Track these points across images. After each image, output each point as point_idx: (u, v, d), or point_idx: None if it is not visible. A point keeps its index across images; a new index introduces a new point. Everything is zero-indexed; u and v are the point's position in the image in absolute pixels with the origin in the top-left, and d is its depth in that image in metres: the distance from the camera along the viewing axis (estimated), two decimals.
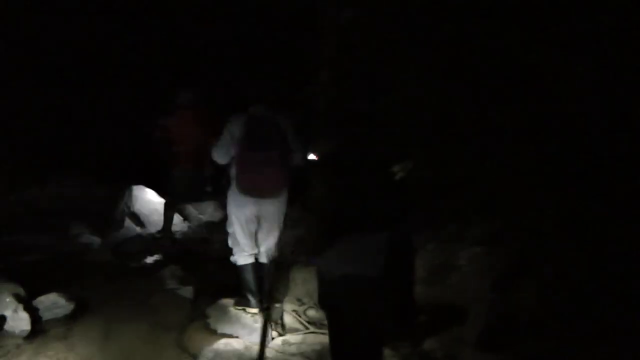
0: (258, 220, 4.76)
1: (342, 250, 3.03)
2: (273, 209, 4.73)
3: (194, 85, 6.38)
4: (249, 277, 4.80)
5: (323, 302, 3.25)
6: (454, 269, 4.94)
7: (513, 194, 4.88)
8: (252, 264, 4.85)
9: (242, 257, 4.85)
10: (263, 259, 4.88)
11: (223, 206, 5.03)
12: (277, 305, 5.03)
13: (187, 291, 5.31)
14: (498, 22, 4.97)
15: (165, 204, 6.74)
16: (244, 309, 4.79)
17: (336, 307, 3.13)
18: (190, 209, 7.26)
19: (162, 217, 6.79)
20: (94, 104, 7.48)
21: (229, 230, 4.89)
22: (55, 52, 6.98)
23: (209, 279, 5.48)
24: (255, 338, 4.47)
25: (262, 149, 4.54)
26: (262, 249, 4.86)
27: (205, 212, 7.22)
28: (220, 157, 4.72)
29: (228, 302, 4.93)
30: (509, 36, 4.92)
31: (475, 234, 5.02)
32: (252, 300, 4.80)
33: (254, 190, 4.61)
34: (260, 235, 4.83)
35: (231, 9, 7.40)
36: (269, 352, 4.25)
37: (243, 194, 4.63)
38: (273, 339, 4.55)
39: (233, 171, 4.68)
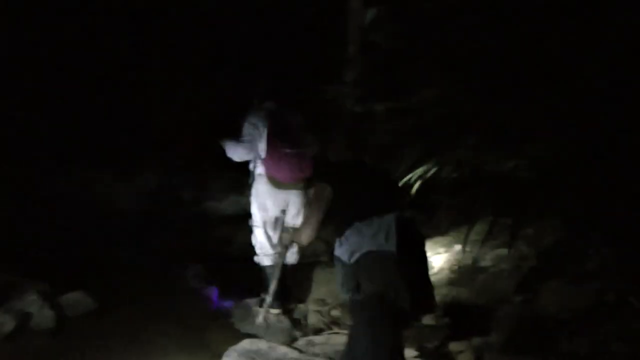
0: (283, 214, 4.76)
1: (358, 234, 3.30)
2: (299, 201, 4.75)
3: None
4: (273, 277, 4.75)
5: (347, 287, 3.37)
6: (480, 270, 4.91)
7: (539, 194, 4.84)
8: (276, 264, 4.81)
9: (266, 257, 4.86)
10: (287, 259, 4.85)
11: (247, 204, 5.00)
12: (301, 305, 5.02)
13: (212, 291, 5.32)
14: (519, 19, 4.94)
15: None
16: (267, 310, 4.76)
17: (359, 289, 3.28)
18: (213, 207, 7.27)
19: None
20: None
21: (254, 229, 4.89)
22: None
23: (232, 278, 5.46)
24: (280, 338, 4.46)
25: (289, 142, 4.59)
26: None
27: (228, 210, 7.23)
28: (240, 154, 4.68)
29: (252, 301, 4.93)
30: (532, 34, 4.88)
31: (501, 235, 4.98)
32: (276, 300, 4.77)
33: (284, 182, 4.64)
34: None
35: (257, 8, 7.41)
36: (292, 353, 4.23)
37: (273, 187, 4.66)
38: (297, 339, 4.52)
39: (260, 168, 4.69)
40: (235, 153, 4.68)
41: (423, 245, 3.55)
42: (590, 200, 4.39)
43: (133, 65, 7.37)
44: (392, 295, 3.19)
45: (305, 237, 3.72)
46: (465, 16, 5.34)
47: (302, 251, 4.99)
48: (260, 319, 4.67)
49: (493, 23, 5.08)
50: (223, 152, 4.74)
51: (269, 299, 4.66)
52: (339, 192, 3.51)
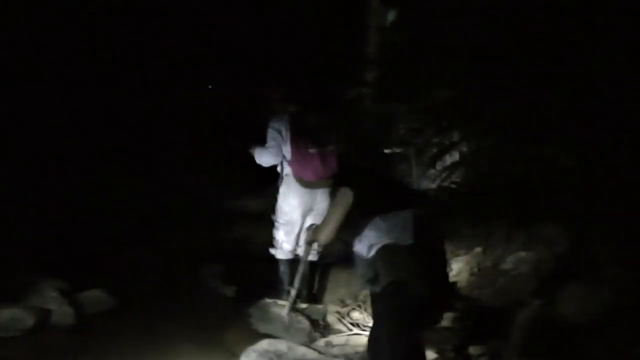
0: (309, 213, 4.87)
1: (377, 228, 3.38)
2: (326, 198, 4.83)
3: None
4: (286, 271, 5.00)
5: (366, 278, 3.44)
6: (500, 272, 4.88)
7: (560, 198, 4.82)
8: (290, 260, 5.00)
9: (283, 252, 5.00)
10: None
11: (266, 203, 5.06)
12: (320, 306, 5.01)
13: (230, 290, 5.34)
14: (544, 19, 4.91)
15: None
16: (275, 301, 4.91)
17: (377, 281, 3.34)
18: (232, 206, 7.28)
19: None
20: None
21: (277, 224, 5.00)
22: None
23: (251, 278, 5.46)
24: (299, 338, 4.45)
25: (312, 142, 4.72)
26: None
27: (247, 209, 7.23)
28: (268, 159, 4.83)
29: (270, 301, 4.93)
30: (552, 35, 4.86)
31: (521, 238, 4.95)
32: (285, 293, 4.93)
33: (313, 182, 4.76)
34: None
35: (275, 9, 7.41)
36: (311, 354, 4.22)
37: (302, 187, 4.79)
38: (316, 340, 4.51)
39: (287, 169, 4.83)
40: (263, 159, 4.85)
41: (441, 242, 3.60)
42: (609, 204, 4.37)
43: (146, 63, 7.37)
44: (410, 283, 3.24)
45: (323, 237, 3.76)
46: (484, 16, 5.33)
47: (322, 251, 5.01)
48: (285, 313, 4.69)
49: (511, 24, 5.07)
50: (242, 153, 4.97)
51: (293, 292, 4.69)
52: (360, 189, 3.54)
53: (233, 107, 7.56)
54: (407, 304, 3.24)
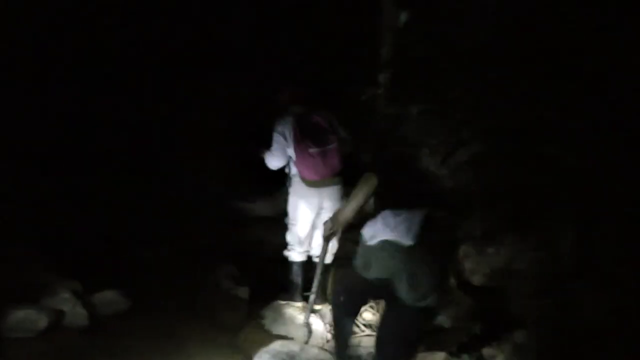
0: (319, 213, 4.89)
1: (384, 221, 3.55)
2: (334, 197, 4.87)
3: None
4: (299, 273, 5.04)
5: (359, 264, 3.71)
6: (514, 274, 4.84)
7: (572, 199, 4.79)
8: (303, 261, 5.04)
9: (296, 253, 5.03)
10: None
11: (279, 205, 5.08)
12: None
13: (243, 291, 5.33)
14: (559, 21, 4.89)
15: None
16: (288, 303, 4.96)
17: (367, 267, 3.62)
18: (245, 207, 7.28)
19: None
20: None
21: (289, 226, 5.00)
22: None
23: (264, 279, 5.47)
24: (312, 340, 4.45)
25: (318, 142, 4.73)
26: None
27: (262, 211, 7.23)
28: (276, 162, 4.88)
29: (284, 303, 4.93)
30: (567, 38, 4.84)
31: (535, 239, 4.92)
32: (298, 295, 5.02)
33: (318, 181, 4.77)
34: (319, 232, 4.89)
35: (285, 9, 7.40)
36: (324, 355, 4.22)
37: (308, 187, 4.79)
38: (328, 341, 4.50)
39: (294, 170, 4.84)
40: (272, 161, 4.89)
41: (445, 248, 3.87)
42: (617, 203, 4.34)
43: (156, 64, 7.38)
44: (395, 285, 3.51)
45: (343, 217, 3.93)
46: (497, 17, 5.32)
47: (336, 253, 5.05)
48: (306, 317, 4.69)
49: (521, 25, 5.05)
50: (254, 156, 5.03)
51: (312, 297, 4.69)
52: (382, 179, 3.74)
53: (245, 109, 7.56)
54: (388, 302, 3.70)
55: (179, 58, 7.25)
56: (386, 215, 3.59)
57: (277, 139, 4.79)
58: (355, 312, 4.03)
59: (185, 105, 7.53)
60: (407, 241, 3.45)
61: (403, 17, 6.13)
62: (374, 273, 3.57)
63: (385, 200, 3.67)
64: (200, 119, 7.58)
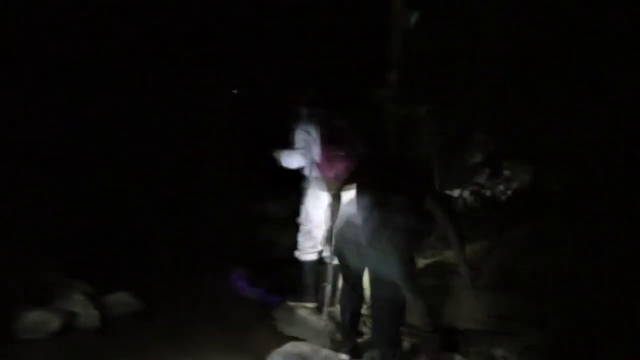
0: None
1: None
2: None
3: None
4: (311, 274, 5.02)
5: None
6: (522, 274, 4.82)
7: (584, 197, 4.78)
8: (314, 261, 5.03)
9: (307, 253, 5.02)
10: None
11: (291, 207, 5.08)
12: None
13: (256, 293, 5.35)
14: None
15: None
16: (300, 304, 4.95)
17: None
18: (257, 209, 7.30)
19: None
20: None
21: (303, 227, 5.02)
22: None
23: (276, 280, 5.48)
24: (324, 341, 4.43)
25: (342, 145, 4.75)
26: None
27: (275, 212, 7.25)
28: (295, 161, 4.91)
29: (296, 304, 4.92)
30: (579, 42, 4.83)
31: (544, 238, 4.90)
32: (309, 295, 4.99)
33: (337, 183, 4.68)
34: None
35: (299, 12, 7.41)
36: (334, 357, 4.20)
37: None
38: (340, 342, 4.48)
39: (315, 172, 4.88)
40: (291, 161, 4.91)
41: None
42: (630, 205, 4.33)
43: (171, 66, 7.40)
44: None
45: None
46: (506, 18, 5.32)
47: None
48: (323, 319, 4.68)
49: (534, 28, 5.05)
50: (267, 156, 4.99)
51: (327, 298, 4.70)
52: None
53: (258, 110, 7.57)
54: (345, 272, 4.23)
55: (179, 58, 7.26)
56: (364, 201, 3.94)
57: (302, 137, 4.82)
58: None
59: (186, 104, 7.52)
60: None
61: (413, 17, 6.13)
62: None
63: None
64: (201, 119, 7.58)
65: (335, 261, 4.61)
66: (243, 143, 7.57)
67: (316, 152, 4.78)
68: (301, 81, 5.53)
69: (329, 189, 4.76)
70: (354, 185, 4.11)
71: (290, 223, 5.25)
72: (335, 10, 7.21)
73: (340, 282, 4.48)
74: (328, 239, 4.46)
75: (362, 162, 4.36)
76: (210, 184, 7.52)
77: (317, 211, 4.91)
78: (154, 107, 7.22)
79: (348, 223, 4.08)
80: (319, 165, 4.81)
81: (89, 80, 6.67)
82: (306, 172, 4.96)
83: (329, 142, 4.75)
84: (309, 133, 4.80)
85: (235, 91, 8.01)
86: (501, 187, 5.75)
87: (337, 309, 4.83)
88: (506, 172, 5.83)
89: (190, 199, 7.25)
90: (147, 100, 7.12)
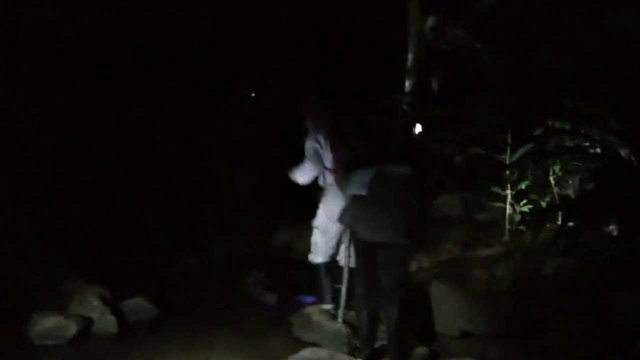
0: None
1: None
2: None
3: None
4: (325, 278, 5.00)
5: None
6: (541, 279, 4.79)
7: (601, 203, 4.72)
8: (328, 264, 5.01)
9: (321, 257, 5.01)
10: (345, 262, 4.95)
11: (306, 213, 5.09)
12: None
13: (272, 298, 5.34)
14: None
15: None
16: (317, 309, 4.89)
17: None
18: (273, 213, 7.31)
19: None
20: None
21: (316, 230, 5.02)
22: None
23: (293, 285, 5.48)
24: (341, 346, 4.41)
25: (350, 143, 4.74)
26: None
27: (289, 218, 7.25)
28: (307, 176, 4.96)
29: (312, 309, 4.90)
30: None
31: (562, 244, 4.85)
32: (327, 297, 4.98)
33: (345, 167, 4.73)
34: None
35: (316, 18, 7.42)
36: None
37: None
38: (358, 348, 4.45)
39: (329, 178, 4.88)
40: (305, 175, 4.94)
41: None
42: None
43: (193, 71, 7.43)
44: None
45: None
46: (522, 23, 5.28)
47: None
48: (338, 322, 4.67)
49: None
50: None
51: (342, 302, 4.70)
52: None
53: (274, 115, 7.59)
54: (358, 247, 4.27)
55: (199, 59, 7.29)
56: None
57: (310, 147, 4.84)
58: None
59: (203, 107, 7.54)
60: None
61: (430, 22, 6.12)
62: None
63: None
64: (225, 126, 7.60)
65: (351, 264, 4.62)
66: (259, 146, 7.58)
67: (328, 158, 4.80)
68: (318, 84, 5.53)
69: (337, 175, 4.76)
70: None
71: (305, 227, 5.23)
72: (354, 16, 7.22)
73: (359, 283, 4.33)
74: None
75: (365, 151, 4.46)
76: (226, 189, 7.54)
77: (330, 215, 4.86)
78: (173, 113, 7.26)
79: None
80: (332, 170, 4.80)
81: (117, 86, 6.74)
82: (320, 181, 4.96)
83: (339, 141, 4.75)
84: (318, 141, 4.81)
85: (252, 94, 8.01)
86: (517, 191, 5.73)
87: (352, 313, 4.82)
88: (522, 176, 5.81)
89: (206, 204, 7.28)
90: (165, 106, 7.17)
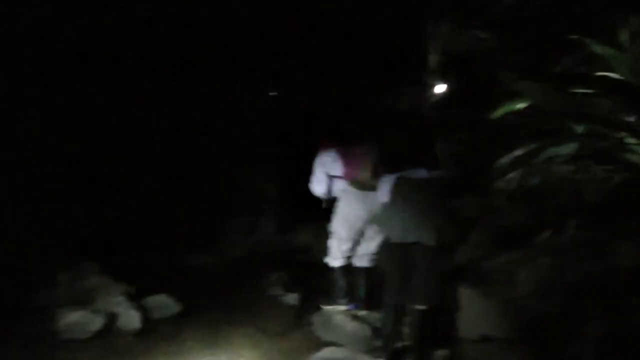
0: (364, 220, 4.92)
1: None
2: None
3: None
4: (343, 279, 5.04)
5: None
6: (564, 285, 4.77)
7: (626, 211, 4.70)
8: (345, 266, 5.04)
9: (337, 259, 5.05)
10: (362, 263, 5.05)
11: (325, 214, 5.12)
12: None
13: (292, 298, 5.37)
14: None
15: None
16: (336, 308, 4.95)
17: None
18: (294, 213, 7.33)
19: None
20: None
21: (331, 234, 5.07)
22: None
23: (313, 285, 5.50)
24: (361, 346, 4.43)
25: (355, 145, 4.88)
26: (364, 250, 5.01)
27: (309, 219, 7.27)
28: (320, 186, 5.03)
29: (332, 309, 4.93)
30: None
31: (588, 250, 4.84)
32: (343, 299, 5.02)
33: (364, 181, 4.82)
34: (366, 236, 4.98)
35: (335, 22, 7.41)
36: None
37: (358, 191, 4.86)
38: (377, 348, 4.47)
39: (340, 185, 4.96)
40: (316, 187, 5.04)
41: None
42: None
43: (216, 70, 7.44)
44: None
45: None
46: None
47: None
48: (341, 326, 4.68)
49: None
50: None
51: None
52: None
53: (296, 116, 7.60)
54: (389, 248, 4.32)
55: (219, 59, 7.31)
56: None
57: (320, 162, 4.96)
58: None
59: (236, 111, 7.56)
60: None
61: (447, 25, 6.14)
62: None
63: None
64: (248, 126, 7.62)
65: (368, 264, 4.67)
66: (281, 146, 7.60)
67: (337, 166, 4.87)
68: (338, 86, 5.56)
69: (362, 183, 4.83)
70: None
71: (325, 229, 5.25)
72: (373, 17, 7.21)
73: (389, 283, 4.35)
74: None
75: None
76: (247, 190, 7.56)
77: (347, 225, 4.95)
78: (191, 114, 7.29)
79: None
80: (343, 174, 4.88)
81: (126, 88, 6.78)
82: (329, 189, 5.02)
83: (346, 148, 4.89)
84: (327, 161, 4.91)
85: (274, 93, 8.01)
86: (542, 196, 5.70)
87: (372, 314, 4.84)
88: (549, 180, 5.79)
89: (226, 205, 7.31)
90: (181, 106, 7.20)
